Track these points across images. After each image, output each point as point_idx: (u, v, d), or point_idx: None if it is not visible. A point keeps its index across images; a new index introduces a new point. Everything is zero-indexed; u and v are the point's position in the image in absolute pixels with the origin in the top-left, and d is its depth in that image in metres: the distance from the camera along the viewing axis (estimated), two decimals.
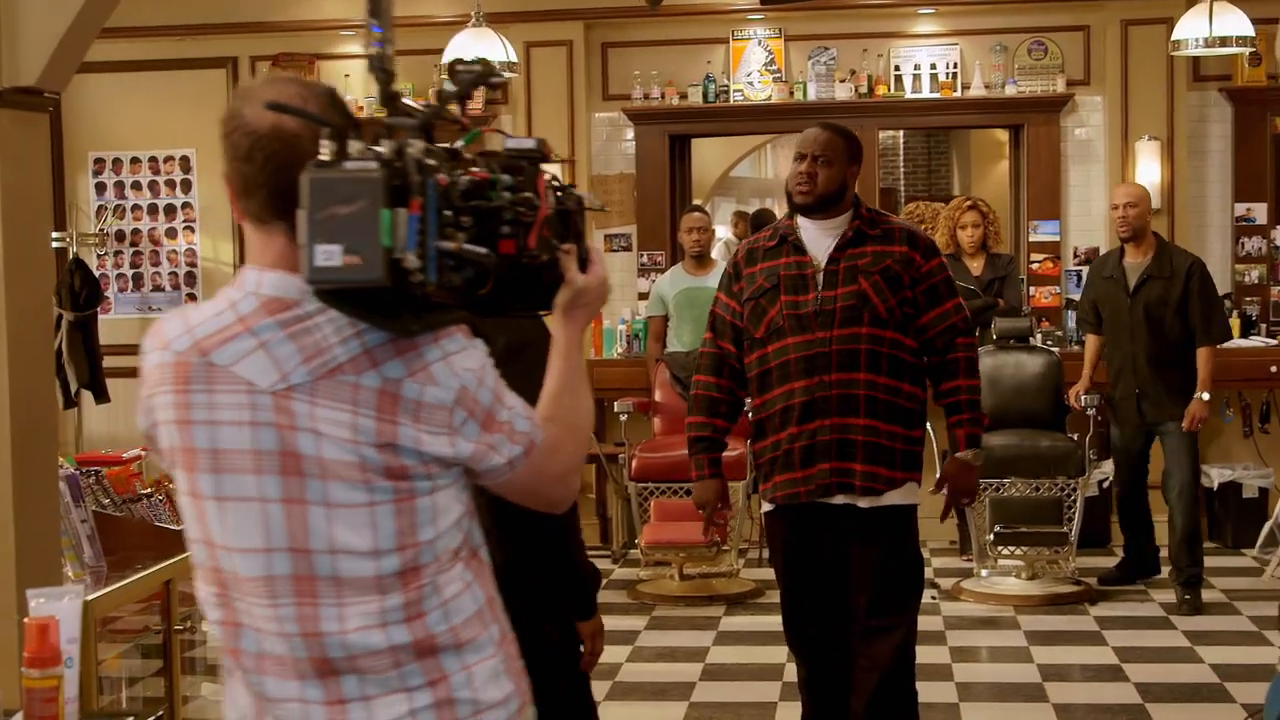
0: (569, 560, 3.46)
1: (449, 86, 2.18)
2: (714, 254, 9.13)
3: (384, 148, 1.99)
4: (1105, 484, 8.83)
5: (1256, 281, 9.29)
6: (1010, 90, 9.27)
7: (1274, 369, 8.89)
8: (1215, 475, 8.93)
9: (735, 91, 9.42)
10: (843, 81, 9.36)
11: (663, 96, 9.47)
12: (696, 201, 10.11)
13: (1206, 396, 7.41)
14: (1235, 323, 9.03)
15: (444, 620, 2.14)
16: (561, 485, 2.28)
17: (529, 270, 2.18)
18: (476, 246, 2.02)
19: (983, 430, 4.67)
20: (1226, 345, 8.70)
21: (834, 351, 4.44)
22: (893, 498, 4.51)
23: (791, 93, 9.39)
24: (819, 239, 4.54)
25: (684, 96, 9.47)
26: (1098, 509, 8.60)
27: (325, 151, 2.00)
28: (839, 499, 4.49)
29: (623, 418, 8.40)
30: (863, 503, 4.49)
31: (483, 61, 2.18)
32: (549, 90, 9.44)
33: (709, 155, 10.55)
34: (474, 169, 2.09)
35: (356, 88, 9.68)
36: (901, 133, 13.57)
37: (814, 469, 4.48)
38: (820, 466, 4.47)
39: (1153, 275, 7.40)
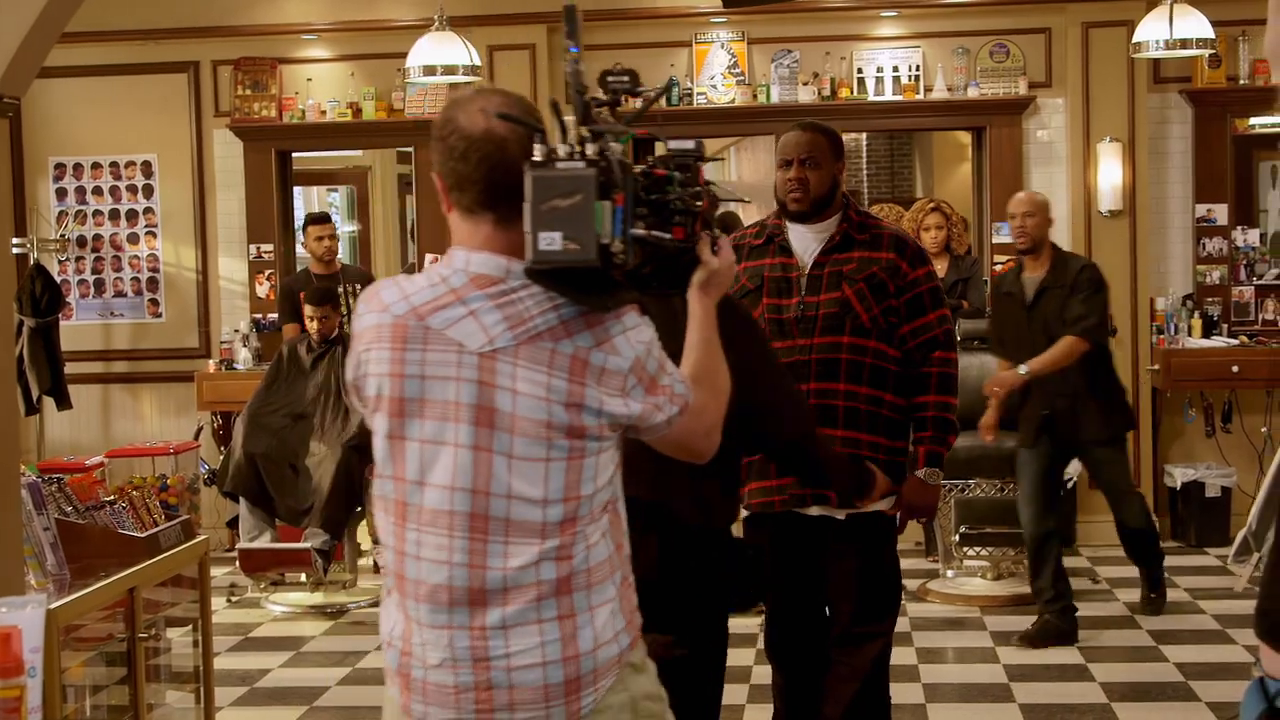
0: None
1: (602, 95, 2.52)
2: None
3: (589, 150, 2.37)
4: (1070, 484, 8.85)
5: (1218, 282, 9.35)
6: (972, 92, 9.31)
7: (1235, 369, 8.94)
8: (1178, 475, 9.01)
9: (699, 94, 9.42)
10: (806, 84, 9.36)
11: (627, 100, 9.42)
12: None
13: (1024, 370, 6.75)
14: (1197, 323, 9.18)
15: (584, 564, 2.47)
16: (706, 439, 2.66)
17: (676, 253, 2.55)
18: (662, 233, 2.44)
19: (946, 449, 4.45)
20: (1190, 346, 8.86)
21: (814, 360, 4.31)
22: (871, 506, 4.38)
23: (755, 95, 9.40)
24: (806, 241, 4.44)
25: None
26: (1063, 509, 8.55)
27: (537, 153, 2.37)
28: (814, 510, 4.37)
29: None
30: (840, 514, 4.38)
31: (630, 73, 2.58)
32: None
33: None
34: (656, 168, 2.48)
35: (318, 91, 9.68)
36: (864, 135, 13.53)
37: (788, 479, 4.31)
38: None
39: (1049, 286, 6.89)
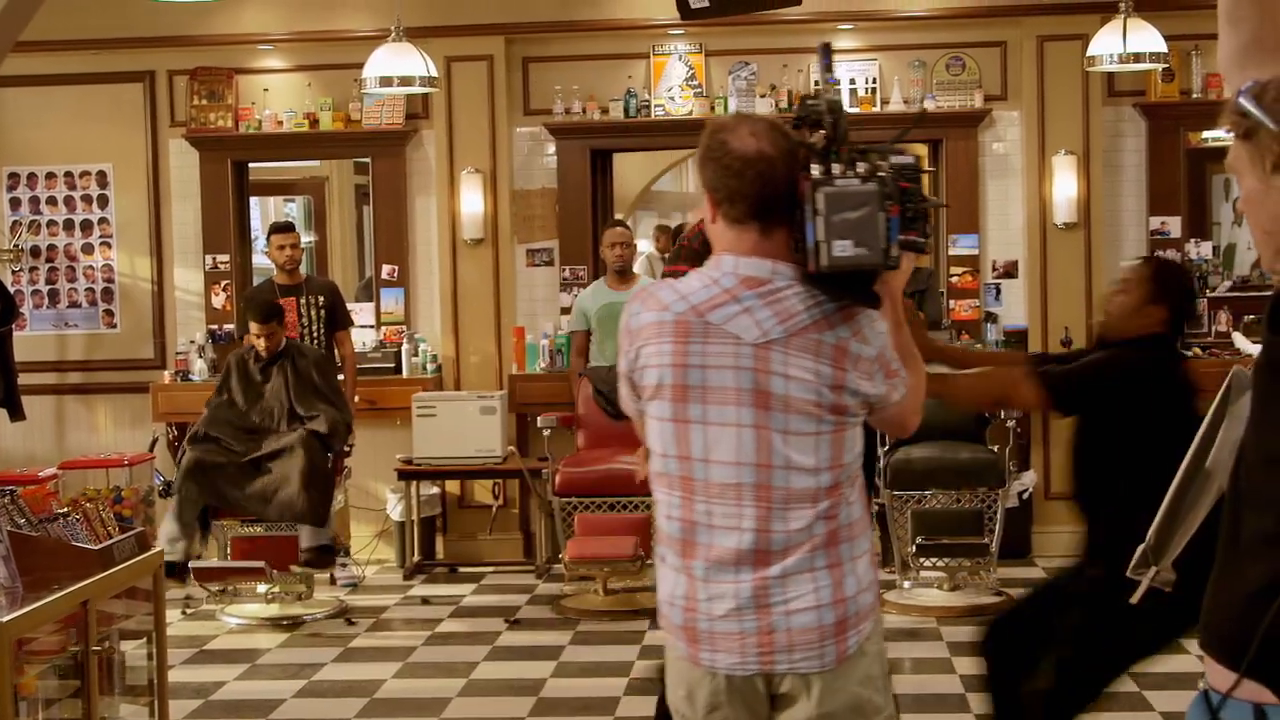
0: None
1: (802, 114, 2.97)
2: (636, 269, 9.15)
3: (861, 167, 2.84)
4: (1025, 495, 8.91)
5: None
6: (929, 105, 9.34)
7: None
8: None
9: (656, 106, 9.43)
10: (763, 96, 9.39)
11: (584, 111, 9.48)
12: (618, 216, 10.07)
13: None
14: None
15: (847, 520, 2.94)
16: (915, 416, 3.14)
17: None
18: (919, 237, 2.93)
19: None
20: None
21: None
22: None
23: (713, 107, 9.41)
24: None
25: (605, 111, 9.47)
26: (1017, 520, 8.66)
27: (816, 171, 2.84)
28: None
29: (546, 432, 8.39)
30: None
31: (825, 100, 2.95)
32: (470, 104, 9.42)
33: (630, 170, 10.56)
34: (901, 181, 2.90)
35: (275, 101, 9.65)
36: None
37: None
38: None
39: None
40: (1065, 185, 9.18)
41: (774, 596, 2.89)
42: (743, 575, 2.90)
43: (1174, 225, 9.38)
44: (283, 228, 9.07)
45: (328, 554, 7.77)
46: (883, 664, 3.02)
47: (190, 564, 7.81)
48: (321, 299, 8.97)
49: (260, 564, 7.75)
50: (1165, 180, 9.34)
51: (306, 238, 12.06)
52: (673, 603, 2.98)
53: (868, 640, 2.96)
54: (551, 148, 9.61)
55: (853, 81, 9.40)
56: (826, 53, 3.08)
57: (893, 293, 3.08)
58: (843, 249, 2.83)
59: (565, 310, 9.36)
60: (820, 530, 2.91)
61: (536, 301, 9.58)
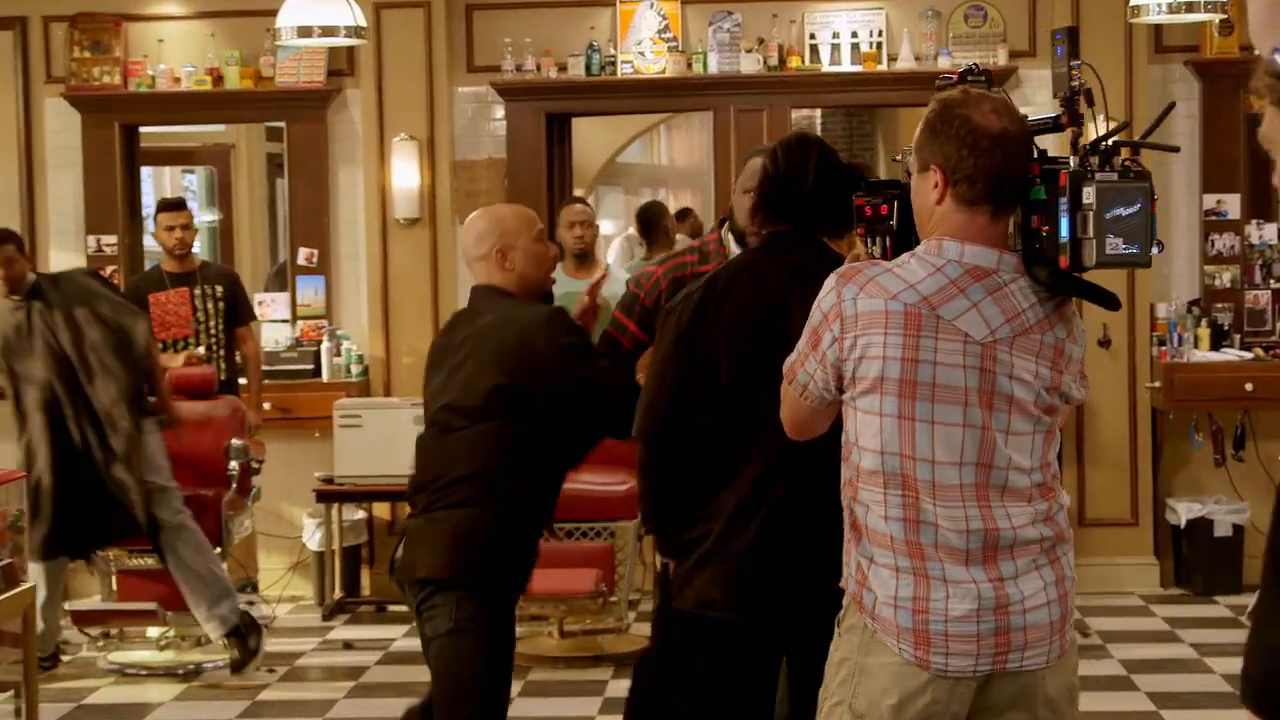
0: None
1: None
2: (613, 254, 9.11)
3: (1115, 160, 3.20)
4: None
5: (1229, 285, 9.43)
6: (944, 63, 9.29)
7: (1249, 387, 9.05)
8: (1183, 511, 9.11)
9: (623, 63, 9.40)
10: (749, 52, 9.39)
11: (538, 68, 9.44)
12: (578, 192, 10.09)
13: None
14: (1205, 333, 9.28)
15: (1063, 519, 3.32)
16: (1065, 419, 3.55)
17: None
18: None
19: None
20: (1196, 359, 9.02)
21: None
22: None
23: (689, 65, 9.39)
24: None
25: (563, 69, 9.43)
26: None
27: (1073, 162, 3.20)
28: None
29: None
30: None
31: (987, 73, 3.39)
32: (403, 60, 9.40)
33: (593, 137, 10.55)
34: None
35: (172, 54, 9.61)
36: (818, 112, 13.56)
37: None
38: None
39: None
40: None
41: (1012, 597, 3.23)
42: (977, 575, 3.23)
43: (1232, 204, 9.42)
44: (171, 205, 9.07)
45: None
46: (1077, 650, 3.45)
47: (67, 605, 7.76)
48: (219, 289, 8.98)
49: (152, 605, 7.69)
50: (1222, 151, 9.37)
51: (208, 215, 12.08)
52: (898, 605, 3.25)
53: (1072, 630, 3.38)
54: (500, 111, 9.58)
55: (855, 34, 9.41)
56: (1070, 38, 3.39)
57: None
58: (1115, 246, 3.15)
59: None
60: (1047, 532, 3.26)
61: None
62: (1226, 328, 9.36)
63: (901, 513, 3.25)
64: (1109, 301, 3.28)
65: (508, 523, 4.56)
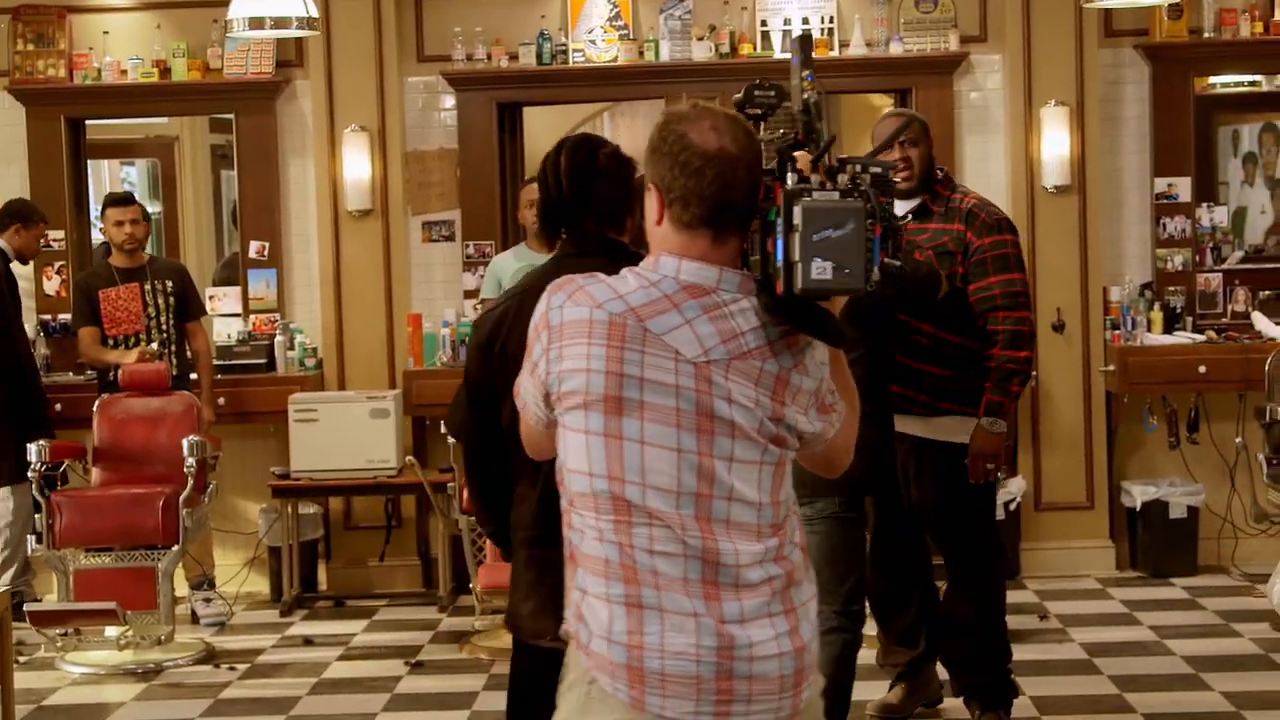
0: None
1: (745, 103, 3.12)
2: None
3: (841, 179, 2.97)
4: (1013, 506, 9.08)
5: (1181, 268, 9.51)
6: (895, 49, 9.39)
7: (1202, 369, 9.13)
8: (1138, 493, 9.19)
9: (575, 51, 9.42)
10: (701, 39, 9.42)
11: (489, 58, 9.44)
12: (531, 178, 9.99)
13: None
14: (1157, 316, 9.36)
15: (798, 562, 3.11)
16: (847, 456, 3.31)
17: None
18: (893, 260, 3.02)
19: (1006, 398, 6.09)
20: (1150, 343, 9.13)
21: None
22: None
23: (641, 53, 9.42)
24: None
25: (514, 58, 9.43)
26: (1003, 535, 8.52)
27: (791, 180, 2.96)
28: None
29: (450, 440, 8.26)
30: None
31: (777, 87, 3.15)
32: (353, 50, 9.39)
33: (544, 125, 10.49)
34: (880, 195, 3.00)
35: (118, 47, 9.56)
36: None
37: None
38: None
39: None
40: (1056, 142, 9.25)
41: (738, 640, 3.00)
42: (698, 607, 3.00)
43: (1183, 187, 9.51)
44: (120, 200, 9.04)
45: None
46: (820, 713, 3.23)
47: (25, 606, 7.73)
48: (169, 284, 8.99)
49: (111, 604, 7.68)
50: (1172, 135, 9.47)
51: (151, 208, 11.96)
52: (612, 640, 3.02)
53: (816, 691, 3.15)
54: (450, 101, 9.58)
55: (806, 21, 9.45)
56: (804, 46, 3.17)
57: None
58: (821, 271, 2.92)
59: (470, 294, 9.36)
60: (776, 572, 3.05)
61: (435, 284, 9.56)
62: (1179, 310, 9.43)
63: (615, 538, 3.03)
64: (831, 335, 3.06)
65: None
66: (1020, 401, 8.71)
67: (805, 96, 3.08)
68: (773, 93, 3.13)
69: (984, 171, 9.44)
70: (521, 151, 9.99)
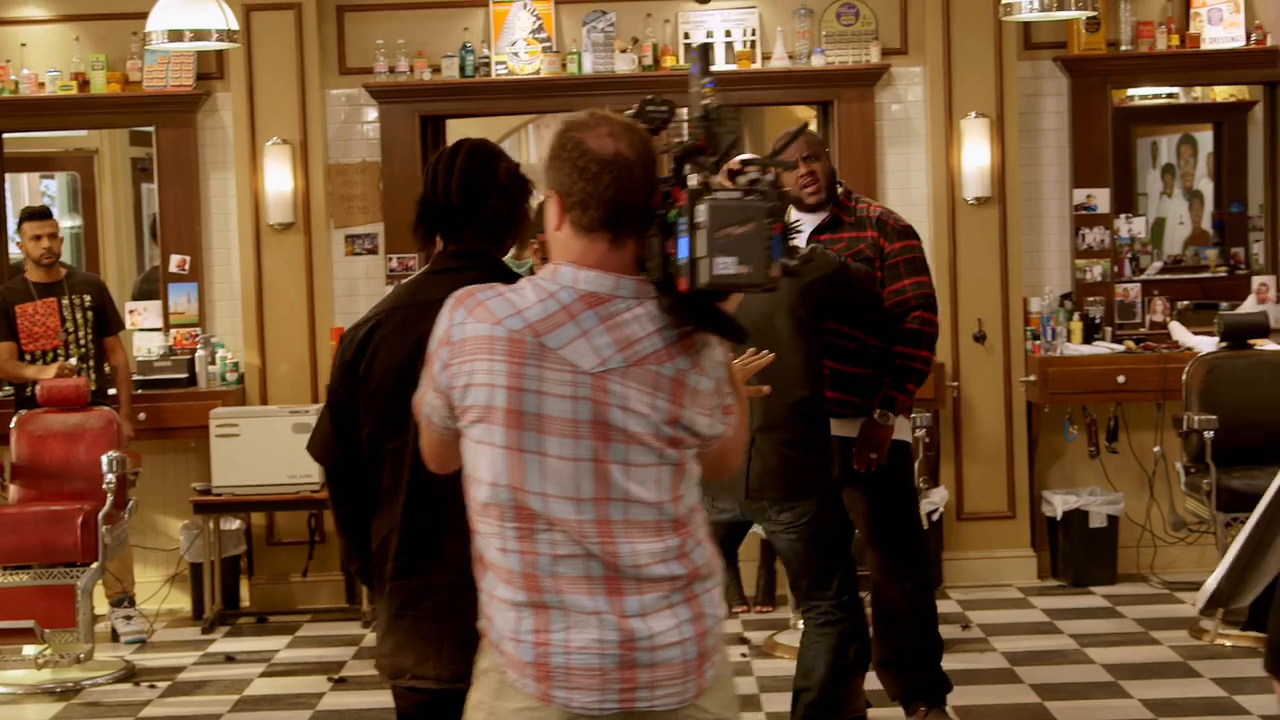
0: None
1: (639, 116, 3.23)
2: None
3: (741, 179, 3.12)
4: (935, 516, 9.10)
5: (1100, 279, 9.57)
6: (817, 61, 9.43)
7: (1121, 379, 9.20)
8: (1058, 502, 9.25)
9: (498, 64, 9.41)
10: (624, 52, 9.42)
11: (411, 70, 9.43)
12: None
13: None
14: (1077, 327, 9.43)
15: (702, 559, 3.23)
16: (737, 456, 3.46)
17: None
18: (790, 260, 3.15)
19: (901, 394, 6.27)
20: (1069, 353, 9.21)
21: None
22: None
23: (564, 65, 9.42)
24: (803, 225, 6.07)
25: (437, 70, 9.42)
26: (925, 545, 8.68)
27: (694, 180, 3.09)
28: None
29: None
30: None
31: (668, 103, 3.25)
32: (274, 62, 9.35)
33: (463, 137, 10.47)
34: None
35: (35, 59, 9.51)
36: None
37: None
38: None
39: None
40: (977, 153, 9.31)
41: (638, 632, 3.14)
42: (600, 605, 3.14)
43: (1102, 199, 9.57)
44: (37, 214, 8.99)
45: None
46: (733, 686, 3.38)
47: None
48: (87, 298, 8.95)
49: (29, 623, 7.64)
50: (1091, 146, 9.54)
51: (70, 223, 11.90)
52: (520, 639, 3.16)
53: (722, 667, 3.29)
54: (373, 114, 9.56)
55: (729, 33, 9.48)
56: (704, 56, 3.27)
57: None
58: (725, 266, 3.04)
59: None
60: (679, 570, 3.19)
61: (358, 298, 9.46)
62: (1098, 321, 9.49)
63: (519, 545, 3.16)
64: (734, 333, 3.18)
65: None
66: (943, 412, 9.10)
67: (705, 104, 3.16)
68: (664, 107, 3.23)
69: (905, 183, 9.49)
70: None
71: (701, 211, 3.05)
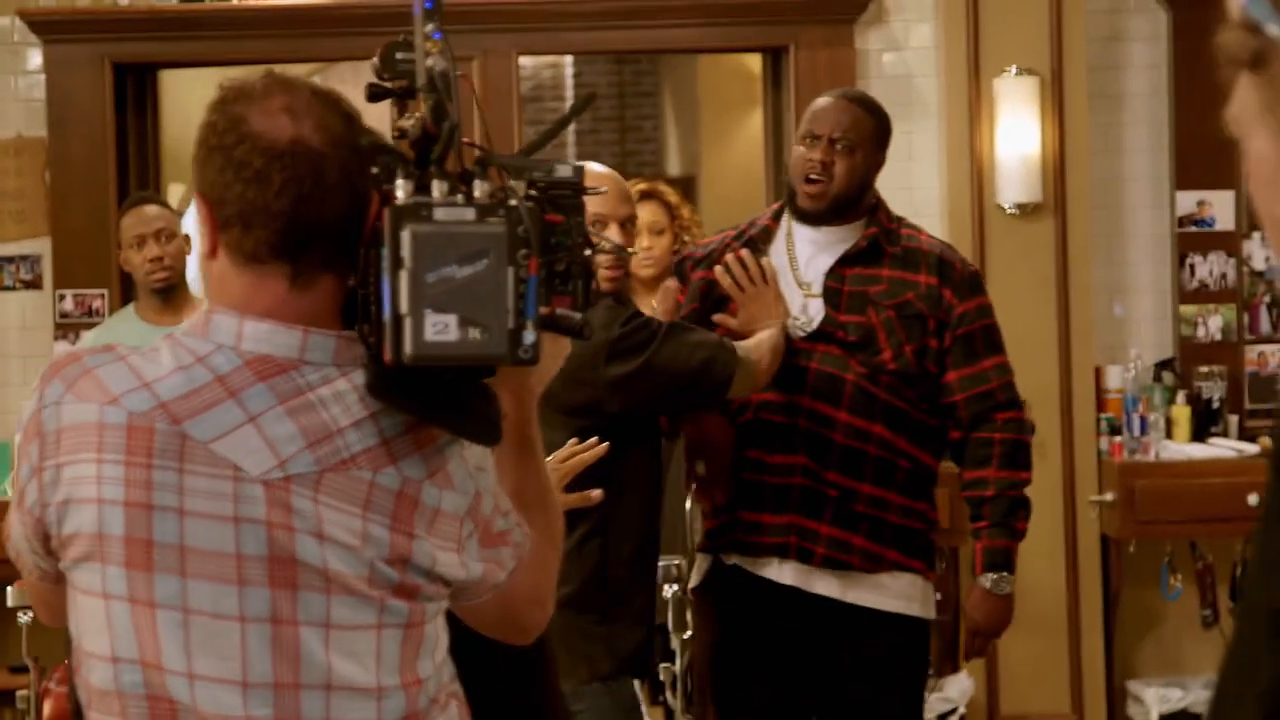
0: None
1: (388, 74, 2.45)
2: None
3: (478, 190, 2.28)
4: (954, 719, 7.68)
5: (1219, 336, 7.42)
6: None
7: (1253, 499, 6.99)
8: (1153, 700, 7.26)
9: None
10: None
11: None
12: (173, 189, 8.26)
13: None
14: (1183, 414, 7.51)
15: None
16: (540, 608, 2.61)
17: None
18: (570, 312, 2.42)
19: (1015, 541, 4.99)
20: (1171, 456, 7.49)
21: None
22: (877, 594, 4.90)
23: None
24: (813, 249, 4.89)
25: None
26: None
27: (401, 191, 2.24)
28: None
29: (25, 617, 7.21)
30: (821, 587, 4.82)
31: (438, 70, 2.49)
32: None
33: (194, 101, 8.10)
34: (551, 213, 2.45)
35: None
36: (568, 60, 11.97)
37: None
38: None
39: None
40: (1019, 133, 7.17)
41: None
42: None
43: (1223, 207, 7.36)
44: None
45: None
46: None
47: None
48: None
49: None
50: (1205, 124, 6.83)
51: None
52: None
53: None
54: (37, 59, 7.54)
55: None
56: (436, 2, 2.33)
57: (524, 399, 2.46)
58: (439, 328, 2.14)
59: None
60: None
61: (8, 359, 7.50)
62: (1217, 405, 7.44)
63: None
64: (476, 430, 2.23)
65: None
66: (964, 552, 7.43)
67: (430, 64, 2.23)
68: (414, 66, 2.36)
69: (903, 180, 7.35)
70: (157, 140, 7.99)
71: (405, 242, 2.13)
